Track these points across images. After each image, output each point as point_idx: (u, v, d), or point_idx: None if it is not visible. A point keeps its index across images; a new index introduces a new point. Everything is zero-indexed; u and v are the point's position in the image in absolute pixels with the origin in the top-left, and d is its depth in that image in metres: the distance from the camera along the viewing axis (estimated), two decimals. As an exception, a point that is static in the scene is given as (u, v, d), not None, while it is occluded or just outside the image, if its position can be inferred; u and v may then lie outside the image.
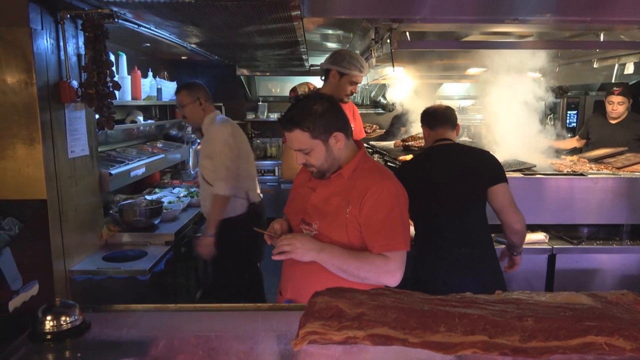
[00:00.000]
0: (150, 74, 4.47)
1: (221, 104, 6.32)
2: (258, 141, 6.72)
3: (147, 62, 4.75)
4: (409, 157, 3.93)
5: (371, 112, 6.80)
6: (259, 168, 6.38)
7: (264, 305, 1.23)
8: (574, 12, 2.67)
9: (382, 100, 6.54)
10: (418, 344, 0.94)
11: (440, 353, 0.94)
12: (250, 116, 6.66)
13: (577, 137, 4.66)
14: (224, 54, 4.84)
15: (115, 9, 2.66)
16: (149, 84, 4.29)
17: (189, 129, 5.32)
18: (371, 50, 3.37)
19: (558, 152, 4.01)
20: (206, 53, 4.60)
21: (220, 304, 1.22)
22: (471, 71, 4.80)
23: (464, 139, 4.66)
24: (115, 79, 2.84)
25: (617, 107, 4.11)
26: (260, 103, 6.70)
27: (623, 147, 3.80)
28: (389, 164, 3.93)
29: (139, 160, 3.68)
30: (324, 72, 2.97)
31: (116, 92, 2.86)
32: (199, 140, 5.35)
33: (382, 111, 6.76)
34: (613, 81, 4.13)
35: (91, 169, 2.99)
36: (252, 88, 6.78)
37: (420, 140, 4.56)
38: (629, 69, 3.65)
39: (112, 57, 3.18)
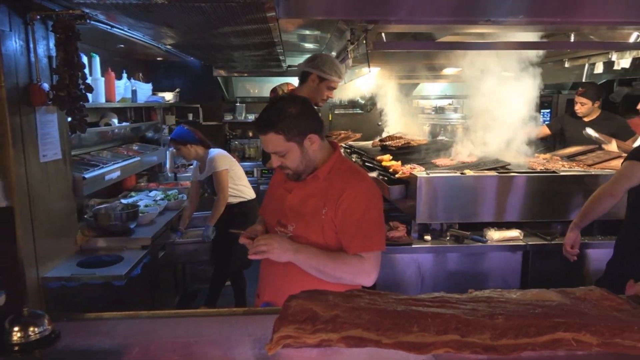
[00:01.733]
0: (124, 75, 4.41)
1: (198, 105, 6.28)
2: (236, 142, 6.68)
3: (122, 63, 4.69)
4: (387, 157, 3.97)
5: (349, 112, 6.82)
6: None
7: (238, 309, 1.22)
8: (545, 14, 2.72)
9: (360, 100, 6.57)
10: (391, 345, 0.95)
11: (413, 353, 0.95)
12: (228, 117, 6.62)
13: (545, 125, 4.78)
14: (200, 55, 4.80)
15: (86, 10, 2.61)
16: (123, 86, 4.23)
17: (166, 130, 5.27)
18: (347, 51, 3.38)
19: (531, 144, 4.11)
20: (182, 54, 4.55)
21: (194, 310, 1.20)
22: (447, 71, 4.86)
23: (440, 137, 4.71)
24: (88, 80, 2.79)
25: (579, 107, 4.24)
26: (238, 104, 6.66)
27: (595, 144, 3.90)
28: (367, 164, 3.96)
29: (114, 164, 3.63)
30: (301, 73, 2.96)
31: (89, 95, 2.81)
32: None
33: (361, 111, 6.79)
34: (584, 80, 4.23)
35: (64, 173, 2.94)
36: (230, 89, 6.73)
37: (398, 140, 4.60)
38: (599, 68, 3.75)
39: (85, 59, 3.13)
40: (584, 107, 4.25)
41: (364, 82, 5.12)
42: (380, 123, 6.28)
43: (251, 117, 6.66)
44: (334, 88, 2.98)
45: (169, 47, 3.98)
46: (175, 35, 3.45)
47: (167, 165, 5.19)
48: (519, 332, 0.97)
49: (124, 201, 3.91)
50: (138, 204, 3.76)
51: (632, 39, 3.16)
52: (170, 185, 4.75)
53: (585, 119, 4.35)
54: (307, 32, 3.84)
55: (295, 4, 2.47)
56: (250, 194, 3.92)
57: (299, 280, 1.80)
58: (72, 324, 1.24)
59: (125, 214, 3.35)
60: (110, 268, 2.90)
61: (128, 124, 4.57)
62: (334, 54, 4.32)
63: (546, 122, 5.49)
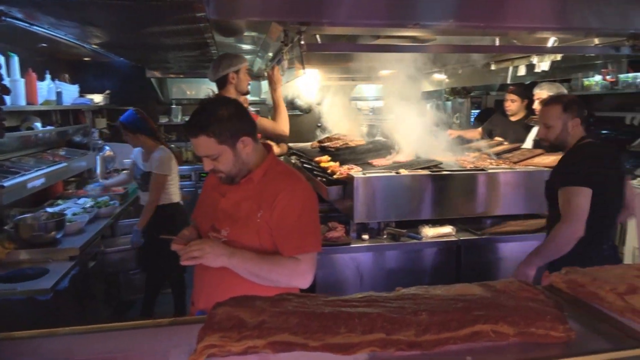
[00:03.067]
0: (47, 76, 4.16)
1: (131, 108, 6.02)
2: (173, 146, 6.47)
3: (45, 63, 4.41)
4: (325, 157, 3.99)
5: (289, 113, 6.79)
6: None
7: (164, 320, 1.18)
8: (472, 19, 2.83)
9: (299, 101, 6.56)
10: (319, 347, 0.95)
11: (340, 354, 0.95)
12: (164, 120, 6.41)
13: (480, 129, 5.01)
14: (131, 55, 4.61)
15: (0, 7, 2.43)
16: (46, 88, 3.99)
17: (96, 134, 5.03)
18: (282, 53, 3.37)
19: (464, 143, 4.29)
20: (110, 54, 4.35)
21: (118, 323, 1.15)
22: (382, 73, 4.96)
23: (377, 138, 4.80)
24: (5, 82, 2.61)
25: (509, 104, 4.51)
26: (174, 106, 6.47)
27: (523, 143, 4.16)
28: (305, 165, 3.96)
29: (37, 170, 3.42)
30: (219, 80, 3.11)
31: (6, 97, 2.62)
32: (107, 147, 5.08)
33: (300, 112, 6.79)
34: (508, 82, 4.46)
35: (-22, 181, 2.73)
36: (164, 90, 6.53)
37: (336, 141, 4.63)
38: (521, 70, 3.96)
39: (1, 59, 2.93)
40: (513, 104, 4.52)
41: (302, 83, 5.13)
42: (319, 124, 6.31)
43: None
44: (249, 70, 3.23)
45: (95, 46, 3.79)
46: (101, 34, 3.29)
47: (98, 171, 4.95)
48: (442, 327, 1.00)
49: (49, 210, 3.68)
50: (65, 212, 3.56)
51: (549, 44, 3.37)
52: (104, 191, 4.52)
53: (513, 118, 4.62)
54: (245, 33, 3.78)
55: (226, 4, 2.42)
56: (176, 197, 3.83)
57: (234, 285, 1.78)
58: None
59: (50, 223, 3.16)
60: (34, 282, 2.72)
61: (53, 128, 4.31)
62: (270, 54, 4.29)
63: (479, 126, 5.77)
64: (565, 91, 4.33)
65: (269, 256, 1.79)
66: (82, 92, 4.93)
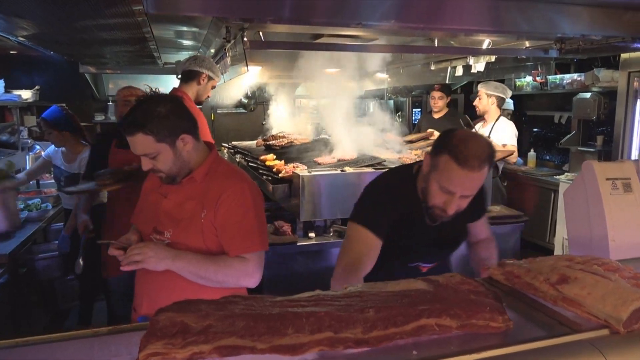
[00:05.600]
0: (-32, 70, 3.86)
1: (64, 105, 5.71)
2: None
3: (-36, 56, 4.09)
4: (270, 156, 3.97)
5: (233, 111, 6.72)
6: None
7: (102, 329, 1.12)
8: (412, 20, 2.91)
9: (243, 99, 6.49)
10: (267, 350, 0.94)
11: (288, 355, 0.94)
12: (100, 117, 6.13)
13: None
14: (63, 49, 4.35)
15: None
16: (-34, 83, 3.70)
17: (24, 132, 4.73)
18: (225, 50, 3.31)
19: (407, 145, 4.41)
20: (39, 48, 4.09)
21: (49, 335, 1.07)
22: (327, 71, 4.99)
23: (322, 136, 4.83)
24: None
25: (437, 101, 4.75)
26: (111, 103, 6.20)
27: None
28: (250, 164, 3.92)
29: (-44, 172, 3.16)
30: (188, 72, 3.04)
31: None
32: (38, 146, 4.78)
33: (244, 110, 6.72)
34: (447, 82, 4.64)
35: None
36: (100, 87, 6.24)
37: (281, 140, 4.61)
38: (459, 71, 4.12)
39: None
40: (441, 100, 4.76)
41: (247, 80, 5.07)
42: (264, 122, 6.26)
43: (127, 117, 6.24)
44: (214, 87, 3.20)
45: (22, 39, 3.54)
46: (29, 26, 3.07)
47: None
48: (388, 323, 1.02)
49: (-28, 215, 3.42)
50: (-10, 217, 3.31)
51: (484, 45, 3.53)
52: (32, 194, 4.26)
53: (436, 115, 4.85)
54: (185, 28, 3.68)
55: (165, -2, 2.34)
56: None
57: (179, 289, 1.74)
58: None
59: (-26, 229, 2.93)
60: (-45, 293, 2.52)
61: (-25, 126, 4.01)
62: (212, 51, 4.20)
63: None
64: (510, 92, 4.51)
65: (215, 257, 1.76)
66: (8, 87, 4.61)
